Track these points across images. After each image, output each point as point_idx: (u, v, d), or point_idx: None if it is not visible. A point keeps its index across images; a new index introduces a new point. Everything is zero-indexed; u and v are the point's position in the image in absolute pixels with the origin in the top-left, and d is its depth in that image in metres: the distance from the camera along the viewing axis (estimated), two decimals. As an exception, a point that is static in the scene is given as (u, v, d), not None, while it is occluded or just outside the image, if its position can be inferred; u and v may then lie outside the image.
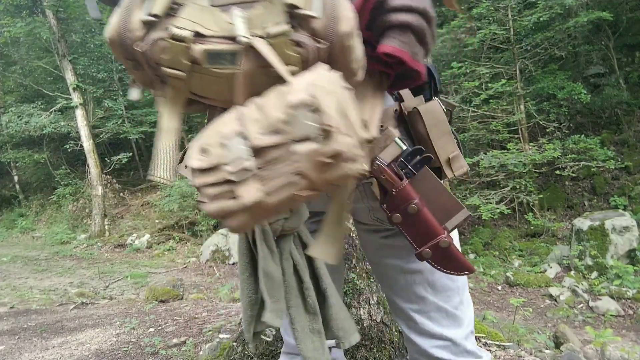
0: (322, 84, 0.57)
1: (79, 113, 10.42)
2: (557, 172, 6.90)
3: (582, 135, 6.91)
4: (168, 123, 0.68)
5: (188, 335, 2.76)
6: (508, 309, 4.93)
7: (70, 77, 10.46)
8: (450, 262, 0.78)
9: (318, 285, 0.87)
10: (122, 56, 0.66)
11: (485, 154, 6.84)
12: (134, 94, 0.70)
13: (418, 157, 0.78)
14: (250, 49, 0.60)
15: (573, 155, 6.74)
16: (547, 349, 2.75)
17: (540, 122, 7.35)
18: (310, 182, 0.56)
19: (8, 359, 2.59)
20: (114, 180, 11.69)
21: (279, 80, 0.60)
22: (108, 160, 11.47)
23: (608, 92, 7.57)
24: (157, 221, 10.21)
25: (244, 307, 0.83)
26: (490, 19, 7.28)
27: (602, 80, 8.02)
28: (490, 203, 6.53)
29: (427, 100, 0.85)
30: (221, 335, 2.62)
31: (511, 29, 7.13)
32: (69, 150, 11.32)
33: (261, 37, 0.60)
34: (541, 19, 6.58)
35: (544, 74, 7.58)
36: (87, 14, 11.01)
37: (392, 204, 0.77)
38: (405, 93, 0.86)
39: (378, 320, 1.70)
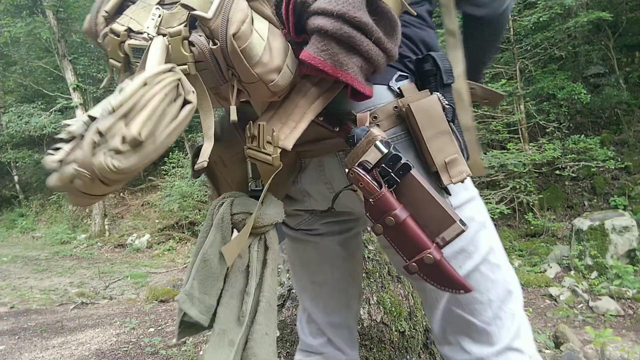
0: (130, 87, 0.60)
1: (79, 113, 10.41)
2: (557, 172, 6.90)
3: (582, 135, 6.91)
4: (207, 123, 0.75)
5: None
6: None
7: (70, 77, 10.46)
8: (440, 278, 0.71)
9: (257, 294, 0.81)
10: (97, 46, 0.76)
11: (485, 154, 6.84)
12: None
13: (400, 163, 0.70)
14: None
15: (573, 155, 6.74)
16: (547, 348, 2.75)
17: (540, 122, 7.35)
18: (85, 166, 0.60)
19: (8, 359, 2.59)
20: (114, 180, 11.69)
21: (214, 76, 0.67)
22: (108, 160, 11.48)
23: (608, 92, 7.57)
24: (157, 221, 10.21)
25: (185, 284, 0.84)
26: (490, 19, 7.27)
27: (602, 80, 8.01)
28: (490, 203, 6.53)
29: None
30: (221, 335, 2.61)
31: (511, 29, 7.13)
32: (69, 150, 11.32)
33: (164, 35, 0.65)
34: (541, 19, 6.58)
35: (543, 74, 7.58)
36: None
37: (373, 213, 0.71)
38: (408, 87, 0.78)
39: (378, 320, 1.70)
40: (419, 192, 0.70)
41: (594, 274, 5.45)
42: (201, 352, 2.34)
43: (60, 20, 10.34)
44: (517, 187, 6.84)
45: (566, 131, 7.46)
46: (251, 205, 0.81)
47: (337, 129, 0.78)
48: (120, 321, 3.26)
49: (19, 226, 11.98)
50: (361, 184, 0.70)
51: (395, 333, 1.70)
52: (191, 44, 0.64)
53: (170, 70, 0.62)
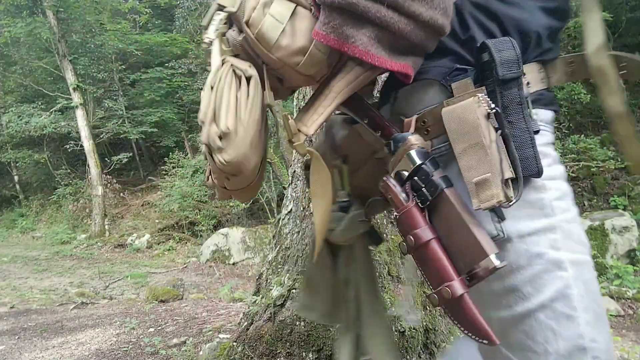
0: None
1: (79, 113, 10.42)
2: (557, 172, 6.90)
3: (582, 135, 6.91)
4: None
5: (188, 335, 2.76)
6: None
7: (70, 77, 10.46)
8: (462, 318, 0.59)
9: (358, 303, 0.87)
10: None
11: (485, 154, 6.84)
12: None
13: (430, 179, 0.62)
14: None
15: (573, 155, 6.74)
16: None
17: (540, 122, 7.35)
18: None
19: (8, 359, 2.59)
20: (114, 180, 11.69)
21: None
22: (108, 160, 11.48)
23: (608, 92, 7.56)
24: (157, 221, 10.21)
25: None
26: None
27: (602, 80, 8.01)
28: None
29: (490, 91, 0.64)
30: (221, 335, 2.62)
31: (511, 29, 7.14)
32: (69, 150, 11.33)
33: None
34: (541, 19, 6.58)
35: (544, 74, 7.58)
36: (87, 13, 11.02)
37: (400, 228, 0.64)
38: (460, 85, 0.64)
39: (378, 320, 1.70)
40: (451, 213, 0.61)
41: (594, 274, 5.46)
42: (201, 352, 2.34)
43: (60, 21, 10.34)
44: (517, 187, 6.84)
45: (566, 131, 7.45)
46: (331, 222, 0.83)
47: (379, 133, 0.72)
48: (120, 321, 3.26)
49: (19, 226, 11.98)
50: (389, 195, 0.65)
51: (395, 333, 1.70)
52: (227, 40, 0.68)
53: (222, 63, 0.68)
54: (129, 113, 11.56)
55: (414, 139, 0.65)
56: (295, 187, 2.10)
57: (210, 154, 0.67)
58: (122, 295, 5.26)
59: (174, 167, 10.62)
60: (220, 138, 0.64)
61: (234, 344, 1.92)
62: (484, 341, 0.58)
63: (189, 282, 6.06)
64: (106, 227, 10.32)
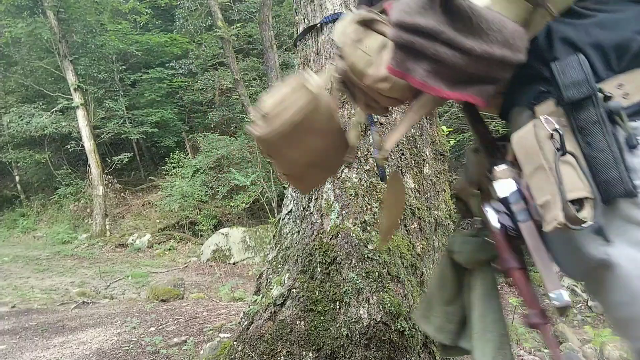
0: None
1: (80, 113, 10.43)
2: (558, 172, 6.89)
3: (583, 135, 6.90)
4: None
5: (189, 334, 2.77)
6: (507, 308, 4.92)
7: (71, 78, 10.47)
8: (546, 343, 0.63)
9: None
10: None
11: (486, 154, 6.83)
12: None
13: (511, 209, 0.64)
14: None
15: (573, 155, 6.73)
16: (546, 348, 2.76)
17: (541, 122, 7.34)
18: None
19: (9, 358, 2.60)
20: (115, 180, 11.71)
21: None
22: (109, 161, 11.49)
23: (608, 92, 7.56)
24: (157, 221, 10.23)
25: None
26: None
27: (602, 80, 8.01)
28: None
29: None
30: (222, 335, 2.63)
31: (511, 29, 7.13)
32: (70, 151, 11.34)
33: None
34: (541, 19, 6.57)
35: (544, 74, 7.57)
36: (87, 14, 11.03)
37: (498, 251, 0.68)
38: (542, 109, 0.66)
39: (378, 320, 1.70)
40: (528, 245, 0.64)
41: (594, 273, 5.46)
42: (201, 352, 2.35)
43: (61, 21, 10.35)
44: (518, 187, 6.83)
45: (566, 131, 7.45)
46: (455, 243, 0.89)
47: (490, 160, 0.78)
48: (121, 321, 3.27)
49: (20, 226, 12.00)
50: (485, 220, 0.70)
51: (395, 333, 1.71)
52: None
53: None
54: (130, 113, 11.57)
55: (499, 170, 0.69)
56: (296, 187, 2.11)
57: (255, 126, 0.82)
58: (123, 295, 5.27)
59: (174, 167, 10.63)
60: (260, 116, 0.80)
61: (235, 343, 1.93)
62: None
63: (190, 281, 6.07)
64: (107, 226, 10.33)
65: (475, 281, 0.85)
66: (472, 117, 0.82)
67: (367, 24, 0.75)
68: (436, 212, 2.00)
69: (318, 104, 0.81)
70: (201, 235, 9.04)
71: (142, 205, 11.31)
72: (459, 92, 0.65)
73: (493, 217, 0.67)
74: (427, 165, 2.01)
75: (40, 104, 11.45)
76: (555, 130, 0.61)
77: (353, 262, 1.76)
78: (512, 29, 0.62)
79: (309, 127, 0.82)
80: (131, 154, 11.64)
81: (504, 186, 0.66)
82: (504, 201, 0.66)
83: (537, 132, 0.63)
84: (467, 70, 0.64)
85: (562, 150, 0.61)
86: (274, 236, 2.18)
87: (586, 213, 0.58)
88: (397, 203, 0.89)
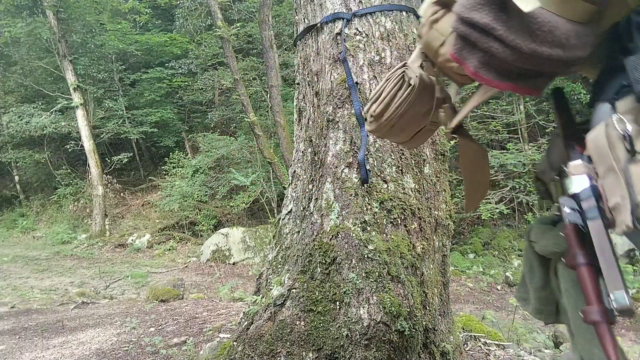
0: None
1: (80, 113, 10.43)
2: (557, 172, 6.90)
3: (582, 135, 6.90)
4: None
5: (188, 334, 2.77)
6: (507, 308, 4.93)
7: (70, 78, 10.46)
8: (603, 346, 0.63)
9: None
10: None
11: (485, 154, 6.83)
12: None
13: (582, 207, 0.65)
14: None
15: (573, 155, 6.74)
16: (546, 348, 2.76)
17: (540, 122, 7.35)
18: None
19: (9, 358, 2.60)
20: (115, 180, 11.70)
21: None
22: (108, 160, 11.49)
23: (608, 92, 7.57)
24: (157, 221, 10.23)
25: None
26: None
27: (602, 80, 8.01)
28: (490, 203, 6.53)
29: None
30: (221, 335, 2.62)
31: (511, 29, 7.14)
32: (70, 151, 11.34)
33: None
34: (541, 19, 6.58)
35: (544, 74, 7.57)
36: (87, 14, 11.02)
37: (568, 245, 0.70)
38: (623, 104, 0.65)
39: (378, 320, 1.70)
40: (595, 243, 0.64)
41: (594, 273, 5.46)
42: (201, 352, 2.34)
43: (60, 21, 10.35)
44: (517, 187, 6.84)
45: (566, 131, 7.45)
46: (532, 232, 0.88)
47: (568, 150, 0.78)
48: (121, 321, 3.27)
49: (20, 226, 11.99)
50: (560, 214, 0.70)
51: (395, 333, 1.70)
52: None
53: (403, 66, 0.90)
54: (129, 113, 11.56)
55: (573, 165, 0.69)
56: (295, 187, 2.10)
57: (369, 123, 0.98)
58: (123, 295, 5.26)
59: (174, 167, 10.63)
60: (371, 115, 0.94)
61: (234, 343, 1.92)
62: None
63: (190, 281, 6.07)
64: (107, 227, 10.32)
65: (560, 271, 0.84)
66: (558, 104, 0.83)
67: (446, 5, 0.78)
68: (436, 212, 2.00)
69: (420, 92, 0.89)
70: (201, 236, 9.03)
71: (142, 205, 11.30)
72: (510, 84, 0.69)
73: (564, 212, 0.68)
74: (428, 165, 2.00)
75: (40, 103, 11.45)
76: (625, 130, 0.60)
77: (353, 262, 1.76)
78: (565, 30, 0.61)
79: (413, 112, 0.92)
80: (131, 154, 11.64)
81: (577, 182, 0.66)
82: (576, 197, 0.66)
83: (608, 132, 0.62)
84: (518, 65, 0.66)
85: (632, 151, 0.59)
86: (273, 236, 2.18)
87: None
88: (474, 167, 0.95)
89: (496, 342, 2.42)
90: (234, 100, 10.68)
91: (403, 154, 1.93)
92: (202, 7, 10.96)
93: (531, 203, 7.00)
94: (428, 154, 2.02)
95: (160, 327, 3.02)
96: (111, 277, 6.40)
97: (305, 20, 2.15)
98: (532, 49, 0.63)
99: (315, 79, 2.06)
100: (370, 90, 1.89)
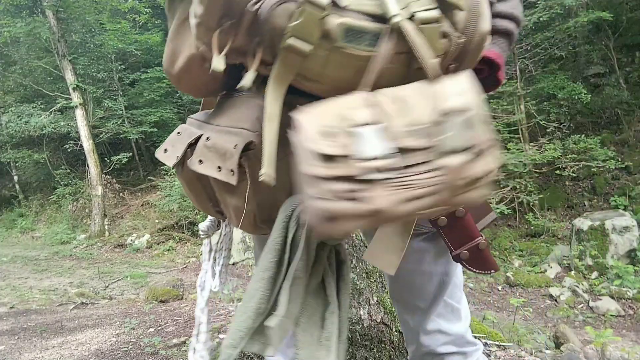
0: (473, 94, 0.50)
1: (79, 113, 10.41)
2: (557, 172, 6.89)
3: (583, 135, 6.90)
4: (272, 108, 0.56)
5: (188, 335, 2.76)
6: (508, 309, 4.92)
7: (70, 77, 10.45)
8: (482, 262, 0.77)
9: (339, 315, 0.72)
10: (219, 12, 0.53)
11: (486, 154, 6.83)
12: (218, 62, 0.55)
13: None
14: (395, 32, 0.52)
15: (573, 155, 6.73)
16: (547, 349, 2.75)
17: (541, 122, 7.34)
18: (445, 199, 0.48)
19: (8, 359, 2.58)
20: (114, 180, 11.68)
21: (406, 72, 0.54)
22: (108, 160, 11.47)
23: (608, 92, 7.56)
24: (157, 221, 10.21)
25: (245, 314, 0.64)
26: (491, 18, 7.28)
27: (602, 80, 8.01)
28: (491, 203, 6.52)
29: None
30: (221, 336, 2.61)
31: (511, 29, 7.13)
32: (69, 150, 11.32)
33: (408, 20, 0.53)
34: (541, 19, 6.57)
35: (544, 73, 7.57)
36: (87, 13, 11.00)
37: None
38: None
39: (378, 320, 1.69)
40: None
41: (595, 274, 5.45)
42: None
43: (60, 20, 10.33)
44: (518, 187, 6.84)
45: (566, 131, 7.45)
46: None
47: None
48: (120, 321, 3.25)
49: (19, 226, 11.98)
50: None
51: (396, 333, 1.70)
52: (444, 35, 0.55)
53: None
54: (129, 113, 11.55)
55: None
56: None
57: (470, 184, 0.63)
58: (122, 296, 5.25)
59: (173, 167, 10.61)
60: None
61: (234, 344, 1.91)
62: (493, 271, 0.78)
63: (189, 282, 6.06)
64: (106, 227, 10.31)
65: (323, 262, 0.79)
66: None
67: None
68: (437, 212, 1.99)
69: None
70: (200, 236, 9.02)
71: (141, 205, 11.29)
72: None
73: None
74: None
75: (39, 103, 11.42)
76: None
77: (353, 262, 1.75)
78: None
79: None
80: (130, 154, 11.61)
81: None
82: None
83: None
84: None
85: None
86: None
87: None
88: None
89: (497, 343, 2.41)
90: (233, 100, 10.64)
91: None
92: (201, 6, 10.94)
93: (532, 203, 6.99)
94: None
95: (159, 328, 3.01)
96: (110, 278, 6.39)
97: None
98: None
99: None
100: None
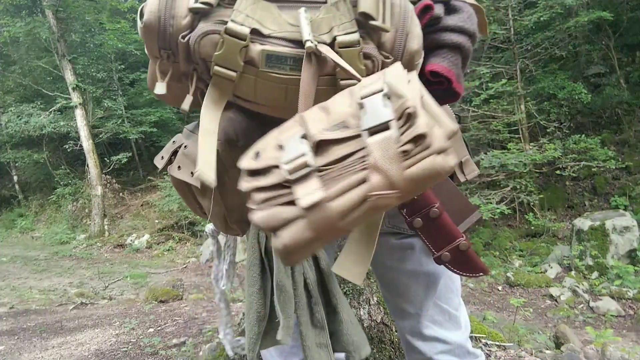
0: (397, 73, 0.51)
1: (79, 113, 10.41)
2: (558, 172, 6.89)
3: (583, 135, 6.89)
4: (208, 125, 0.60)
5: (188, 335, 2.75)
6: (508, 309, 4.92)
7: (69, 77, 10.44)
8: (467, 264, 0.75)
9: (329, 300, 0.84)
10: (156, 44, 0.59)
11: (486, 154, 6.83)
12: (160, 88, 0.61)
13: None
14: (314, 55, 0.56)
15: (573, 155, 6.73)
16: (547, 349, 2.74)
17: (541, 122, 7.34)
18: (388, 178, 0.45)
19: (8, 359, 2.58)
20: (114, 180, 11.67)
21: (335, 91, 0.56)
22: (107, 160, 11.46)
23: (608, 92, 7.56)
24: (156, 221, 10.20)
25: (250, 323, 0.77)
26: (491, 18, 7.27)
27: (602, 80, 8.00)
28: (491, 203, 6.52)
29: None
30: (221, 336, 2.61)
31: (511, 29, 7.12)
32: (69, 150, 11.31)
33: (326, 43, 0.57)
34: (541, 18, 6.57)
35: (544, 73, 7.56)
36: (87, 13, 10.99)
37: (413, 208, 0.73)
38: None
39: (378, 321, 1.69)
40: (448, 185, 0.76)
41: (595, 274, 5.44)
42: (200, 353, 2.33)
43: (59, 20, 10.33)
44: (518, 187, 6.83)
45: (567, 131, 7.45)
46: None
47: None
48: (120, 321, 3.25)
49: (18, 226, 11.97)
50: None
51: (395, 333, 1.69)
52: (365, 56, 0.58)
53: None
54: (129, 113, 11.54)
55: None
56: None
57: (407, 153, 0.66)
58: (122, 296, 5.25)
59: (173, 167, 10.60)
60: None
61: (234, 344, 1.91)
62: (481, 274, 0.75)
63: (189, 282, 6.05)
64: (105, 227, 10.30)
65: (301, 263, 0.88)
66: None
67: None
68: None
69: None
70: (200, 236, 9.02)
71: (141, 205, 11.28)
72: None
73: None
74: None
75: (39, 103, 11.41)
76: (456, 115, 0.86)
77: (354, 262, 1.74)
78: None
79: None
80: (130, 154, 11.60)
81: None
82: None
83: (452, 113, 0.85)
84: None
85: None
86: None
87: None
88: None
89: (497, 343, 2.41)
90: (233, 100, 10.66)
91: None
92: (201, 6, 10.95)
93: (532, 203, 6.99)
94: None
95: (159, 328, 3.00)
96: (110, 278, 6.38)
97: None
98: None
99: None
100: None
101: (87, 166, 10.74)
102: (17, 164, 12.96)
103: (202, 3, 0.57)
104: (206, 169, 0.57)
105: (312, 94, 0.56)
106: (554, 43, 7.35)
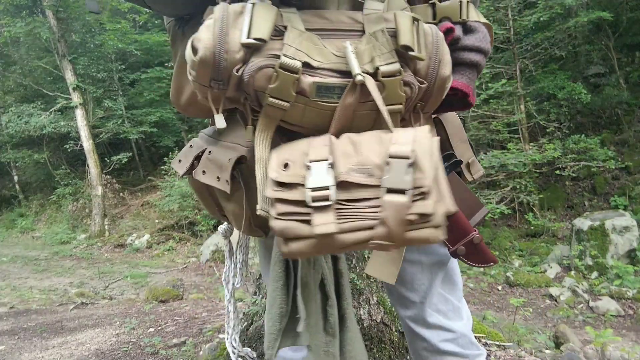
0: (424, 144, 0.58)
1: (79, 113, 10.41)
2: (557, 172, 6.90)
3: (583, 135, 6.90)
4: (263, 153, 0.64)
5: (188, 335, 2.76)
6: (508, 309, 4.92)
7: (70, 77, 10.45)
8: (479, 255, 0.81)
9: (340, 305, 0.85)
10: (210, 76, 0.61)
11: (486, 154, 6.84)
12: (220, 122, 0.65)
13: (449, 162, 0.83)
14: (359, 85, 0.60)
15: (573, 155, 6.73)
16: (547, 349, 2.75)
17: (541, 122, 7.35)
18: (390, 234, 0.55)
19: (8, 359, 2.59)
20: (114, 180, 11.68)
21: (376, 115, 0.63)
22: (108, 160, 11.47)
23: (608, 92, 7.56)
24: (157, 221, 10.21)
25: (272, 319, 0.77)
26: (491, 18, 7.28)
27: (602, 80, 8.01)
28: (491, 203, 6.52)
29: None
30: (221, 336, 2.61)
31: (511, 29, 7.13)
32: (69, 150, 11.32)
33: (369, 73, 0.61)
34: (541, 18, 6.57)
35: (544, 73, 7.57)
36: (87, 13, 10.99)
37: (456, 237, 0.80)
38: None
39: (378, 320, 1.69)
40: (458, 184, 0.82)
41: (594, 274, 5.45)
42: (201, 353, 2.33)
43: (60, 20, 10.33)
44: (518, 187, 6.84)
45: (566, 131, 7.45)
46: None
47: None
48: (120, 321, 3.26)
49: (19, 226, 11.98)
50: None
51: (395, 333, 1.70)
52: (405, 84, 0.63)
53: None
54: (129, 113, 11.54)
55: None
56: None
57: (411, 223, 0.66)
58: (122, 296, 5.25)
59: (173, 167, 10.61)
60: None
61: (234, 344, 1.91)
62: (492, 264, 0.81)
63: (189, 282, 6.06)
64: (106, 227, 10.31)
65: (320, 262, 0.89)
66: None
67: None
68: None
69: None
70: (200, 236, 9.02)
71: (141, 205, 11.29)
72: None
73: None
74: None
75: (39, 103, 11.41)
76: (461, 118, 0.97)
77: (353, 262, 1.75)
78: None
79: None
80: (130, 154, 11.61)
81: None
82: (445, 153, 0.86)
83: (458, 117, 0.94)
84: None
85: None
86: (273, 236, 2.16)
87: None
88: None
89: (497, 343, 2.41)
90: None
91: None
92: (201, 6, 10.94)
93: (532, 203, 6.99)
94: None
95: (159, 328, 3.01)
96: (110, 278, 6.39)
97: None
98: None
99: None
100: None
101: (88, 166, 10.74)
102: (17, 164, 12.97)
103: (256, 39, 0.60)
104: (262, 200, 0.63)
105: (346, 118, 0.62)
106: (553, 43, 7.35)
